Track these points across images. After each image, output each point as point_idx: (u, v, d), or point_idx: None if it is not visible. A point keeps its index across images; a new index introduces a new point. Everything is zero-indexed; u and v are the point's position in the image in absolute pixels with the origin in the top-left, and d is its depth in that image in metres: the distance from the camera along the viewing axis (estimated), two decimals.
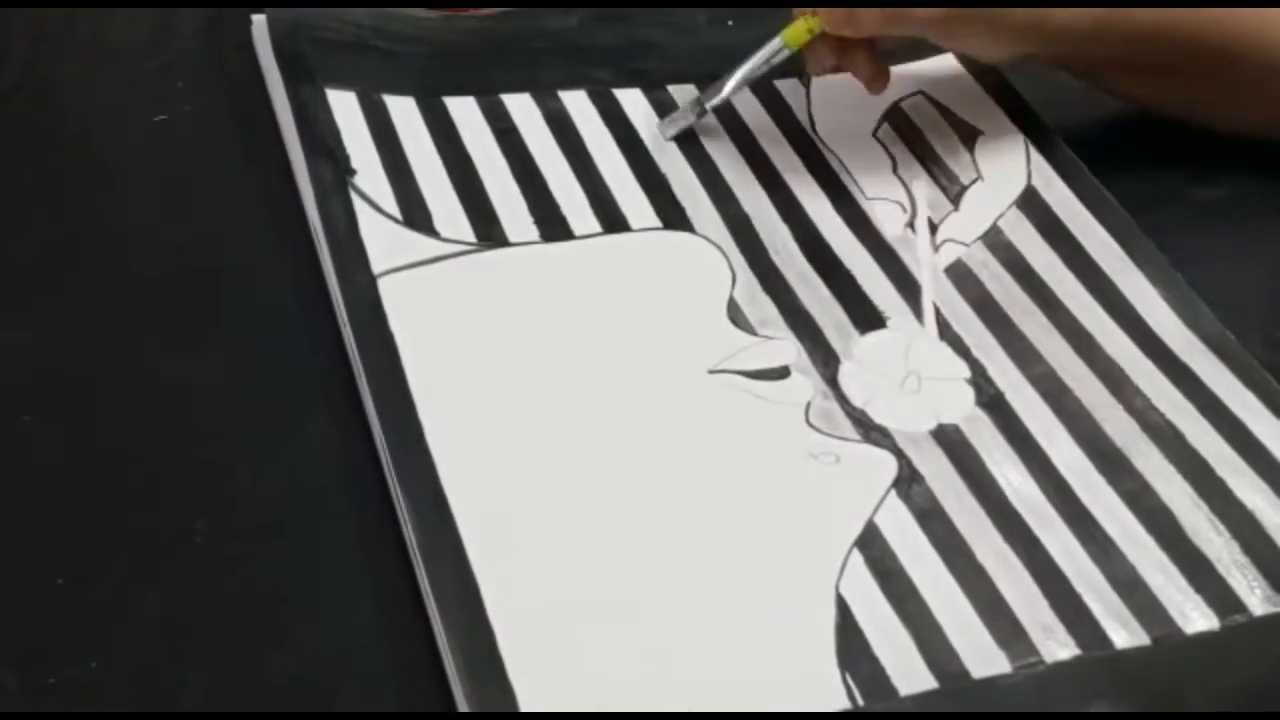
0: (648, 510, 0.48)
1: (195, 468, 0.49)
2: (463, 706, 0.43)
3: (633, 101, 0.64)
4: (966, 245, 0.59)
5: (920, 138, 0.64)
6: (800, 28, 0.59)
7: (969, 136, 0.64)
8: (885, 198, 0.61)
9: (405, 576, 0.46)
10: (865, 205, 0.60)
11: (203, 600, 0.46)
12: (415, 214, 0.57)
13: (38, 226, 0.57)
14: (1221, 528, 0.50)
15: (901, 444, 0.51)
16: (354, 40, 0.63)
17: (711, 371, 0.53)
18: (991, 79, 0.66)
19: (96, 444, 0.49)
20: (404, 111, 0.61)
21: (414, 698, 0.44)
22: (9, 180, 0.58)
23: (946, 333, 0.56)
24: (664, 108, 0.63)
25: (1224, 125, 0.63)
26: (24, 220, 0.57)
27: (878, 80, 0.62)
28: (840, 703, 0.44)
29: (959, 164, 0.63)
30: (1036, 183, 0.62)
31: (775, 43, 0.60)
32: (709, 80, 0.64)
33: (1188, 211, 0.62)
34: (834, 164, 0.62)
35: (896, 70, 0.67)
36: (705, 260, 0.57)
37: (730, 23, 0.68)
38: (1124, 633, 0.46)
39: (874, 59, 0.61)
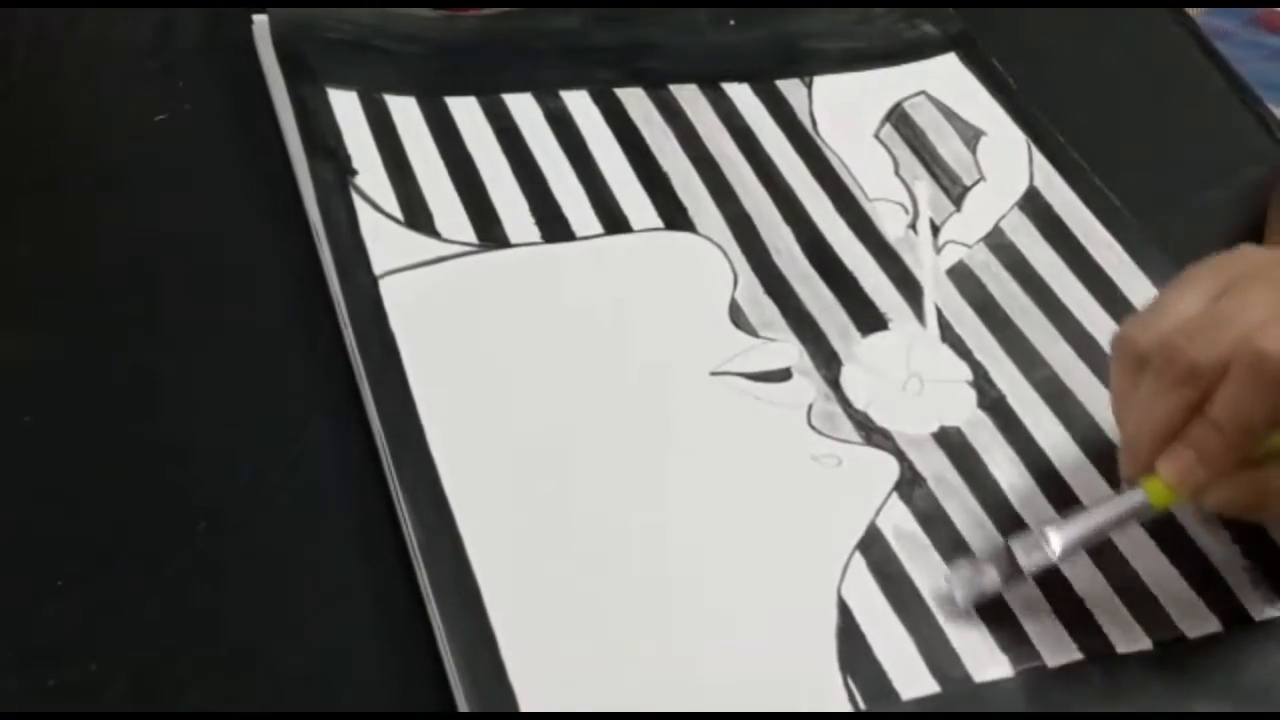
0: (648, 512, 0.48)
1: (195, 468, 0.49)
2: (463, 706, 0.43)
3: (635, 101, 0.63)
4: (968, 246, 0.59)
5: (922, 138, 0.64)
6: (1173, 493, 0.45)
7: (971, 137, 0.64)
8: (887, 199, 0.61)
9: (405, 576, 0.46)
10: (867, 206, 0.60)
11: (202, 601, 0.46)
12: (416, 214, 0.57)
13: (37, 226, 0.56)
14: (1224, 532, 0.50)
15: (903, 446, 0.51)
16: (355, 40, 0.63)
17: (713, 373, 0.53)
18: (994, 80, 0.66)
19: (96, 444, 0.49)
20: (405, 111, 0.61)
21: (414, 698, 0.44)
22: (8, 180, 0.58)
23: (948, 334, 0.56)
24: (666, 107, 0.63)
25: None
26: (24, 220, 0.57)
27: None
28: (841, 706, 0.44)
29: (961, 165, 0.63)
30: (1038, 183, 0.62)
31: (1139, 500, 0.46)
32: (711, 81, 0.64)
33: (1190, 212, 0.62)
34: (836, 165, 0.62)
35: (898, 70, 0.67)
36: (707, 261, 0.57)
37: (731, 22, 0.68)
38: (1126, 637, 0.46)
39: None
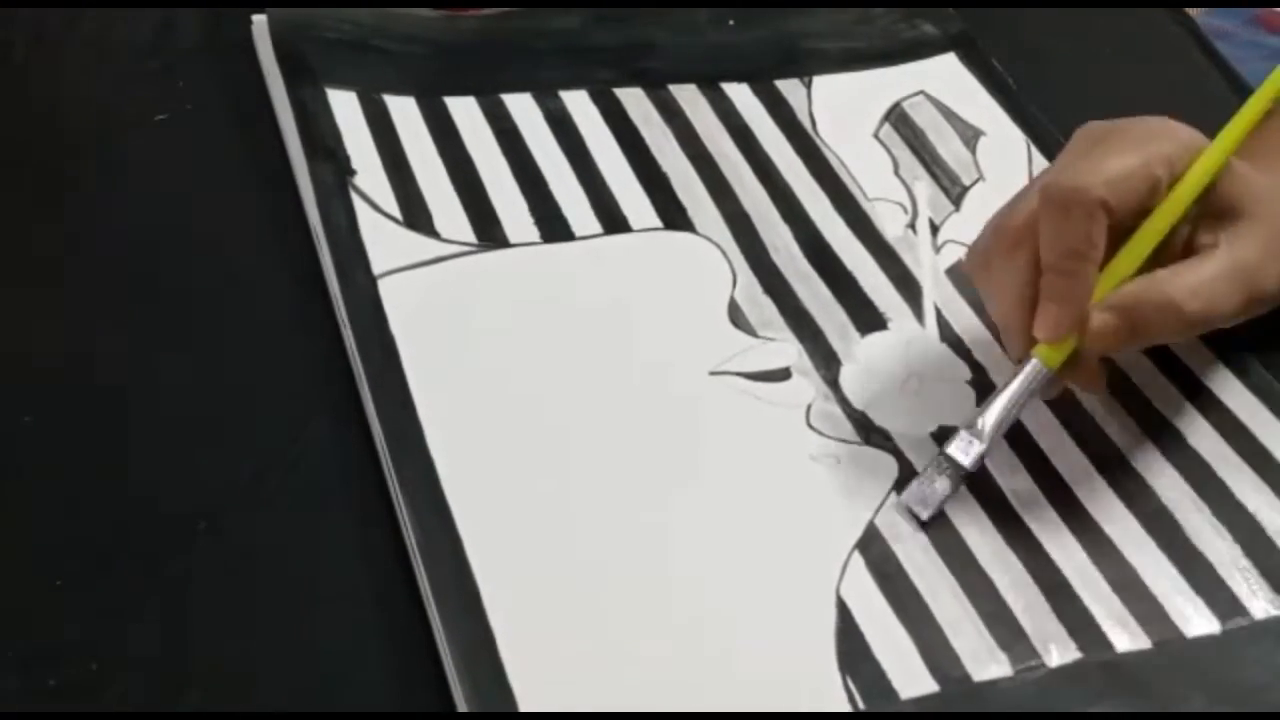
0: (647, 512, 0.48)
1: (195, 468, 0.49)
2: (462, 706, 0.43)
3: (634, 101, 0.63)
4: (968, 246, 0.59)
5: (921, 138, 0.64)
6: (1059, 349, 0.49)
7: (970, 137, 0.64)
8: (886, 198, 0.61)
9: (405, 577, 0.46)
10: (866, 206, 0.60)
11: (202, 601, 0.46)
12: (416, 214, 0.57)
13: (38, 226, 0.57)
14: (1223, 530, 0.50)
15: (902, 446, 0.51)
16: (355, 40, 0.63)
17: (712, 373, 0.53)
18: (994, 80, 0.66)
19: (96, 445, 0.49)
20: (405, 111, 0.61)
21: (414, 698, 0.44)
22: (9, 179, 0.58)
23: (947, 334, 0.56)
24: (665, 107, 0.63)
25: None
26: (24, 220, 0.57)
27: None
28: (841, 706, 0.44)
29: (960, 164, 0.63)
30: None
31: (1031, 366, 0.49)
32: (710, 81, 0.63)
33: None
34: (835, 164, 0.62)
35: (897, 70, 0.67)
36: (706, 261, 0.57)
37: (731, 23, 0.68)
38: (1125, 636, 0.46)
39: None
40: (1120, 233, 0.49)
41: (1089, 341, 0.49)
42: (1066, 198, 0.48)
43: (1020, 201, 0.50)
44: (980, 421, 0.49)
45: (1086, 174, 0.48)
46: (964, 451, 0.49)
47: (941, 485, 0.49)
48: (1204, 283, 0.49)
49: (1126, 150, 0.49)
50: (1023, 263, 0.49)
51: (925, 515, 0.49)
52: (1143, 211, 0.49)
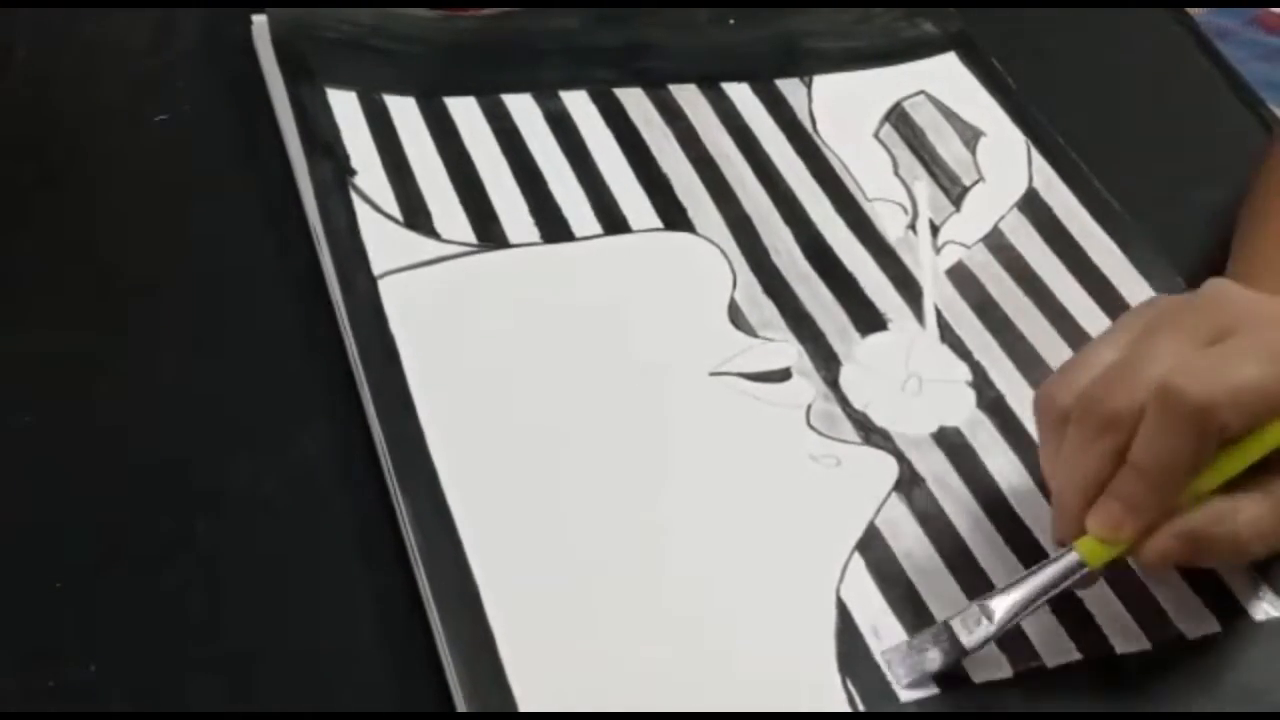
0: (647, 513, 0.48)
1: (195, 469, 0.49)
2: (462, 707, 0.43)
3: (634, 101, 0.63)
4: (968, 247, 0.59)
5: (922, 138, 0.64)
6: (1107, 549, 0.45)
7: (970, 137, 0.64)
8: (886, 199, 0.61)
9: (405, 577, 0.46)
10: (866, 206, 0.60)
11: (202, 602, 0.46)
12: (415, 214, 0.57)
13: (37, 226, 0.56)
14: None
15: (902, 446, 0.51)
16: (354, 40, 0.63)
17: (712, 374, 0.53)
18: (994, 80, 0.66)
19: (97, 445, 0.49)
20: (404, 111, 0.61)
21: (414, 698, 0.44)
22: (8, 180, 0.58)
23: (948, 335, 0.56)
24: (665, 107, 0.63)
25: None
26: (24, 220, 0.57)
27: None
28: (840, 707, 0.44)
29: (960, 165, 0.63)
30: (1038, 184, 0.62)
31: (1071, 560, 0.45)
32: (710, 81, 0.63)
33: (1188, 213, 0.62)
34: (835, 164, 0.62)
35: (897, 70, 0.67)
36: (706, 261, 0.57)
37: (732, 22, 0.68)
38: (1125, 637, 0.46)
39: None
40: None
41: (1144, 557, 0.45)
42: (1188, 414, 0.42)
43: (1125, 382, 0.44)
44: (995, 602, 0.44)
45: (1215, 383, 0.43)
46: (968, 630, 0.44)
47: (932, 658, 0.44)
48: (1274, 525, 0.44)
49: (1263, 360, 0.43)
50: (1108, 449, 0.44)
51: (904, 682, 0.44)
52: (1253, 429, 0.44)
